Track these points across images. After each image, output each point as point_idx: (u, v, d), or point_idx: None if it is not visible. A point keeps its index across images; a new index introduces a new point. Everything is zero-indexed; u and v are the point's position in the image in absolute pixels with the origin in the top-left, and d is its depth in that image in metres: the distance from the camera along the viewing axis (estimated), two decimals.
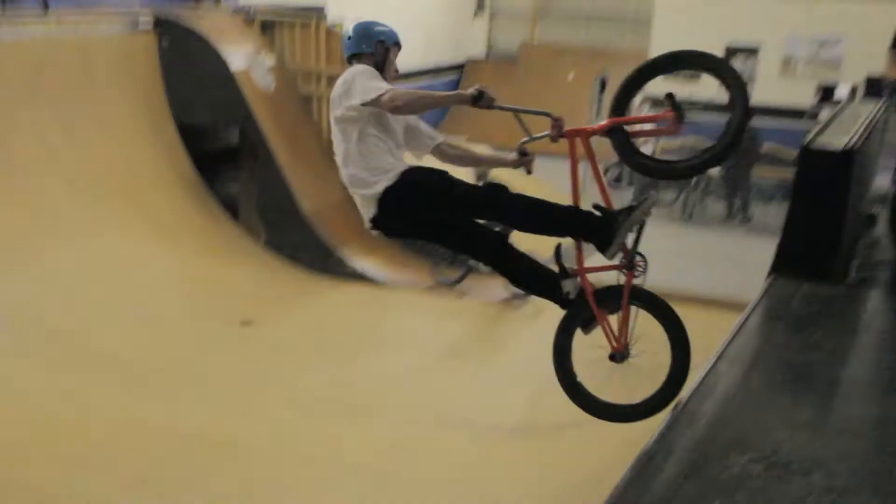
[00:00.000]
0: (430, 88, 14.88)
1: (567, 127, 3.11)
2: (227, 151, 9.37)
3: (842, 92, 11.50)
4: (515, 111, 3.17)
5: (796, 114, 11.39)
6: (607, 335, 3.16)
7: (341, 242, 8.60)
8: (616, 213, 3.02)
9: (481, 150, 3.99)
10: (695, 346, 5.81)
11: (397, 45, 3.34)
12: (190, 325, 6.94)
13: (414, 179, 3.14)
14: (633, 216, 2.98)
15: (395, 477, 4.83)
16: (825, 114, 9.30)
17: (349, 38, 3.31)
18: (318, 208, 8.77)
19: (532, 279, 3.20)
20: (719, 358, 3.89)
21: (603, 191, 3.21)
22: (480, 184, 3.29)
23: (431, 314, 7.74)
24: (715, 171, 11.52)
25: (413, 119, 3.36)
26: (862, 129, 5.41)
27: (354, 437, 5.47)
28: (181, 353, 6.44)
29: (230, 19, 9.16)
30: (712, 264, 9.59)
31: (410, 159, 3.37)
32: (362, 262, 8.56)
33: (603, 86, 12.41)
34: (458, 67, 16.20)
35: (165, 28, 8.56)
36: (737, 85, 2.94)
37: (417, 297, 8.10)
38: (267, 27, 9.29)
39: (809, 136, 5.12)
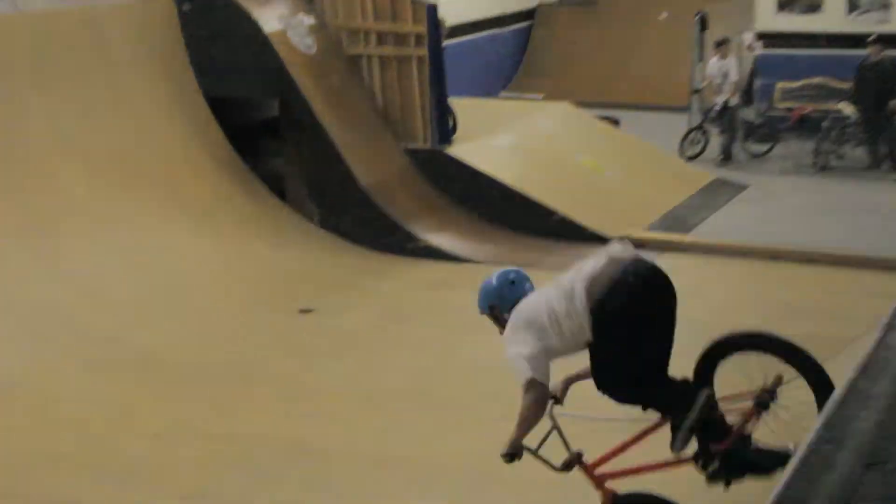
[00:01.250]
0: (497, 39, 15.17)
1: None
2: (266, 124, 9.58)
3: None
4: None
5: None
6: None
7: (407, 216, 8.61)
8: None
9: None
10: (852, 314, 6.48)
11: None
12: (239, 317, 7.12)
13: None
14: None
15: (496, 479, 4.65)
16: None
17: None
18: (378, 179, 8.84)
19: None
20: (888, 329, 3.75)
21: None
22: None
23: None
24: (852, 113, 11.27)
25: None
26: None
27: (443, 434, 5.58)
28: (232, 349, 6.61)
29: None
30: (858, 220, 9.34)
31: None
32: (433, 236, 8.55)
33: (703, 24, 12.24)
34: (529, 14, 16.03)
35: None
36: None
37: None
38: None
39: None
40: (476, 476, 4.99)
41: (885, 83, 10.98)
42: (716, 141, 11.52)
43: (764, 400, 3.37)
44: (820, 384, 3.33)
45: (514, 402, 5.15)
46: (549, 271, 7.40)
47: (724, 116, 11.50)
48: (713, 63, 11.68)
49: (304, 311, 7.27)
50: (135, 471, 5.13)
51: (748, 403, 3.40)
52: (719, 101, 11.51)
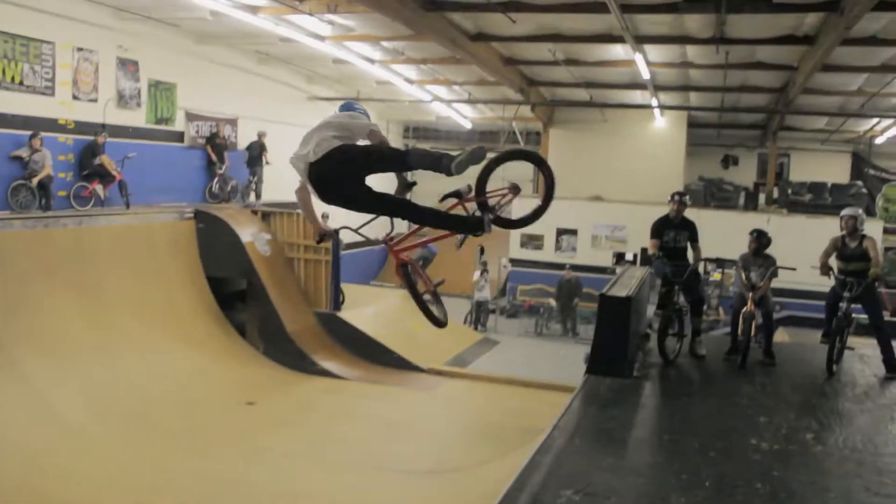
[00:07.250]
0: (366, 254, 17.20)
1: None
2: (238, 293, 11.57)
3: (629, 257, 15.84)
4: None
5: (602, 269, 15.22)
6: None
7: (313, 351, 10.82)
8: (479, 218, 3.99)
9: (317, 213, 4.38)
10: (542, 415, 6.93)
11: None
12: (214, 403, 8.69)
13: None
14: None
15: None
16: (619, 270, 11.48)
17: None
18: (297, 330, 11.04)
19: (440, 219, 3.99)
20: (554, 428, 4.69)
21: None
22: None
23: (372, 397, 9.76)
24: (555, 305, 14.73)
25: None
26: (636, 283, 7.10)
27: (325, 478, 6.72)
28: (208, 421, 8.08)
29: (243, 211, 12.15)
30: (555, 363, 12.19)
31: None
32: (327, 364, 10.65)
33: (482, 251, 15.03)
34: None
35: (201, 217, 11.28)
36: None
37: (364, 386, 10.23)
38: (265, 216, 12.14)
39: (605, 288, 6.90)
40: None
41: (572, 291, 14.55)
42: (486, 317, 14.70)
43: (514, 187, 4.17)
44: (540, 164, 4.12)
45: (367, 459, 7.12)
46: (390, 385, 10.17)
47: (482, 306, 14.91)
48: (477, 275, 15.23)
49: (250, 403, 8.74)
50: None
51: (504, 190, 4.14)
52: (481, 296, 14.82)
